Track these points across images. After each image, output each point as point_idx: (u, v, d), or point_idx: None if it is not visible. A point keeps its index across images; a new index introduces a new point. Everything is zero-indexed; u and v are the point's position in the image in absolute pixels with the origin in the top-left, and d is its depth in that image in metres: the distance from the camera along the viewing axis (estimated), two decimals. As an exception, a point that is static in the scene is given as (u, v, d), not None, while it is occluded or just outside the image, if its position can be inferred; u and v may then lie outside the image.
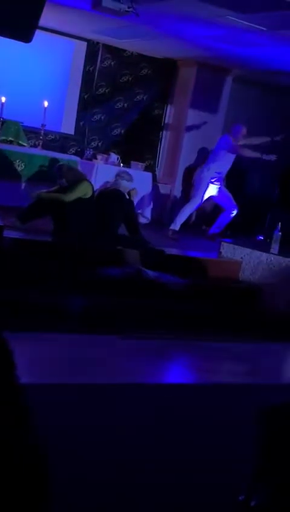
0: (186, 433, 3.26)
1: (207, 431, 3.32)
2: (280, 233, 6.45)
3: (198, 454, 3.02)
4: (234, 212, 8.16)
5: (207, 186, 8.05)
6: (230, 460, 2.99)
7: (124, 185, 6.53)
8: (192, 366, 4.46)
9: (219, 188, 8.14)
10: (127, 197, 6.50)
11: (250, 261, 6.40)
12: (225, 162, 8.13)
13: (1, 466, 1.22)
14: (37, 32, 5.87)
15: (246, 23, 6.68)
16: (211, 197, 8.19)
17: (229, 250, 6.65)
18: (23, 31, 5.18)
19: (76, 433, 2.98)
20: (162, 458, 2.94)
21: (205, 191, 8.06)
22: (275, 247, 6.40)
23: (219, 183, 8.13)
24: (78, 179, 6.14)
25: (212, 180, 8.06)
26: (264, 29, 6.81)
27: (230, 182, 9.40)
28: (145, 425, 3.23)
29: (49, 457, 1.36)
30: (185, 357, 4.59)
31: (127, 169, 7.86)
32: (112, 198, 6.37)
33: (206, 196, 8.11)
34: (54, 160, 7.58)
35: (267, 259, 6.30)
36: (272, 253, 6.34)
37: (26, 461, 1.28)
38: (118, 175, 6.68)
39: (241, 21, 6.63)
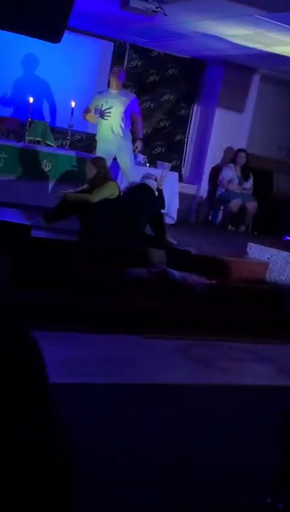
0: (211, 433, 3.25)
1: (231, 432, 3.31)
2: (308, 233, 6.40)
3: (222, 456, 3.01)
4: None
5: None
6: (255, 462, 2.97)
7: (152, 184, 6.61)
8: (217, 367, 4.44)
9: None
10: (157, 193, 6.57)
11: (277, 262, 6.35)
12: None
13: (31, 465, 1.23)
14: (65, 32, 5.91)
15: (274, 22, 6.63)
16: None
17: (256, 251, 6.61)
18: (52, 31, 5.22)
19: (101, 432, 2.99)
20: (186, 459, 2.93)
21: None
22: (302, 247, 6.35)
23: None
24: (105, 179, 6.16)
25: None
26: (293, 28, 6.76)
27: (256, 182, 9.36)
28: (169, 425, 3.22)
29: (77, 457, 1.37)
30: (210, 357, 4.58)
31: (154, 170, 7.90)
32: (140, 190, 6.40)
33: None
34: (81, 160, 7.62)
35: (294, 260, 6.25)
36: (300, 254, 6.29)
37: (55, 460, 1.29)
38: (144, 177, 6.80)
39: (269, 20, 6.59)
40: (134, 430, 3.09)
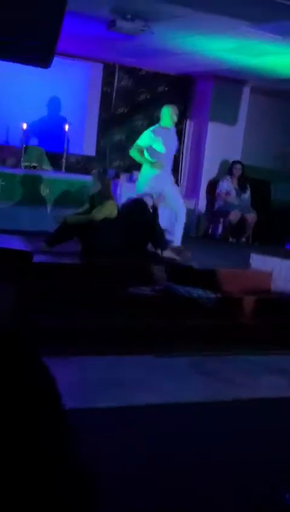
0: (230, 448, 3.20)
1: (250, 444, 3.26)
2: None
3: (240, 471, 2.96)
4: None
5: None
6: (273, 473, 2.93)
7: (148, 200, 6.62)
8: (230, 381, 4.39)
9: None
10: (151, 210, 6.57)
11: (281, 271, 6.32)
12: None
13: (49, 490, 1.21)
14: (54, 57, 5.93)
15: (261, 32, 6.67)
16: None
17: (259, 261, 6.58)
18: (41, 57, 5.24)
19: (117, 456, 2.94)
20: (206, 475, 2.88)
21: None
22: (305, 255, 6.33)
23: None
24: (105, 197, 6.17)
25: None
26: (280, 37, 6.79)
27: (256, 191, 9.37)
28: (188, 443, 3.18)
29: (94, 480, 1.35)
30: (223, 372, 4.53)
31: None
32: (134, 206, 6.44)
33: None
34: (78, 183, 7.63)
35: (298, 267, 6.22)
36: (303, 262, 6.26)
37: (73, 484, 1.27)
38: (142, 194, 6.84)
39: (256, 31, 6.62)
40: (151, 451, 3.05)
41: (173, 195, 7.14)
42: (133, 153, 7.19)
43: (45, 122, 8.67)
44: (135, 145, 7.20)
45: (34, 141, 8.23)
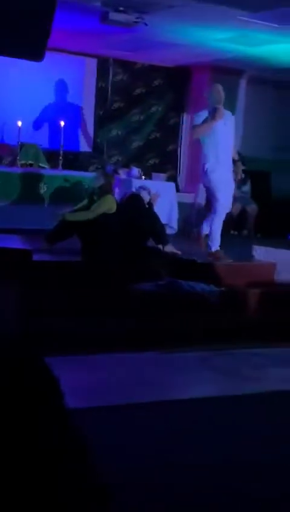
0: (241, 443, 3.12)
1: (264, 440, 3.18)
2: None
3: (254, 465, 2.88)
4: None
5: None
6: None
7: (144, 195, 6.54)
8: (237, 375, 4.32)
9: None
10: (147, 206, 6.48)
11: (285, 262, 6.24)
12: None
13: (54, 493, 1.16)
14: (46, 53, 5.83)
15: (257, 21, 6.58)
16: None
17: (262, 253, 6.51)
18: (33, 49, 5.14)
19: (129, 454, 2.87)
20: (220, 472, 2.80)
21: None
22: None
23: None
24: (105, 192, 6.10)
25: None
26: (276, 25, 6.70)
27: (256, 182, 9.28)
28: (202, 440, 3.10)
29: (106, 481, 1.28)
30: (232, 366, 4.44)
31: (148, 182, 7.84)
32: (132, 201, 6.36)
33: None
34: (75, 180, 7.55)
35: (302, 258, 6.14)
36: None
37: (83, 487, 1.21)
38: (139, 187, 6.77)
39: (252, 20, 6.53)
40: (164, 448, 2.97)
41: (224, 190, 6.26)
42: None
43: (40, 119, 8.57)
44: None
45: (29, 138, 8.12)
